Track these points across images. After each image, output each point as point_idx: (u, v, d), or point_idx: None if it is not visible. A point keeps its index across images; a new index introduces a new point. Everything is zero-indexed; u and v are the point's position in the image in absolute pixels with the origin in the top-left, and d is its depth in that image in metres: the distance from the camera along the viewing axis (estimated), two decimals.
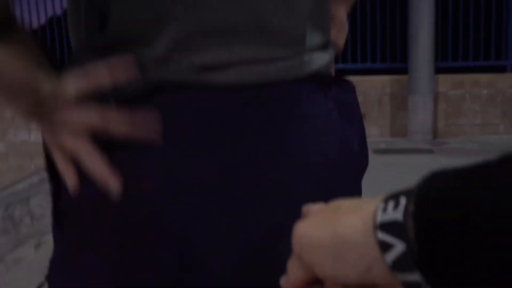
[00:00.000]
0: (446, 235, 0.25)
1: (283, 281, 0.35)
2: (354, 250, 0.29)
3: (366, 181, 0.59)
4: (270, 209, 0.46)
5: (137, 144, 0.44)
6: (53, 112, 0.44)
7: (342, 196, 0.51)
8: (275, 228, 0.45)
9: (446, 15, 5.41)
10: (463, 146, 4.83)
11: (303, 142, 0.48)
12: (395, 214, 0.27)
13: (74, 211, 0.48)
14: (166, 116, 0.44)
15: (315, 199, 0.45)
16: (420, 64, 5.07)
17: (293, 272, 0.34)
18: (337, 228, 0.30)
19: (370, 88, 5.28)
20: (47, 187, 0.51)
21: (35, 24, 5.90)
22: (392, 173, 3.61)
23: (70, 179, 0.45)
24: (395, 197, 0.28)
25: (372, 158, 0.59)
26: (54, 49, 5.88)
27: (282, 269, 0.35)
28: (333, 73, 0.58)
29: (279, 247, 0.42)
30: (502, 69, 5.40)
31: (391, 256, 0.27)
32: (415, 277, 0.26)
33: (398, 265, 0.27)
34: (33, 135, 5.58)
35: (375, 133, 5.29)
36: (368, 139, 0.61)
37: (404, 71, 5.29)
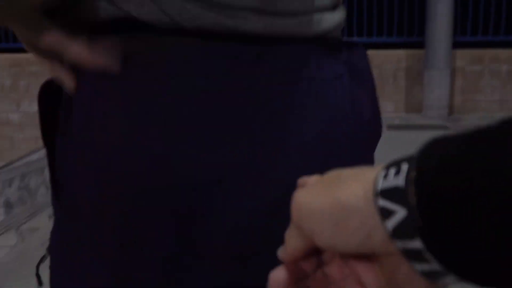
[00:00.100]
0: (449, 201, 0.24)
1: (280, 252, 0.34)
2: (354, 217, 0.28)
3: (379, 158, 0.56)
4: (273, 180, 0.44)
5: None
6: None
7: (352, 164, 0.50)
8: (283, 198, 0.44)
9: None
10: (480, 123, 4.75)
11: (309, 107, 0.46)
12: (397, 180, 0.27)
13: (74, 210, 0.47)
14: (174, 74, 0.43)
15: (323, 165, 0.44)
16: (438, 38, 4.98)
17: (291, 242, 0.33)
18: (338, 195, 0.29)
19: (385, 63, 5.21)
20: None
21: None
22: (406, 150, 3.55)
23: (69, 82, 0.45)
24: (396, 164, 0.28)
25: (386, 134, 0.57)
26: None
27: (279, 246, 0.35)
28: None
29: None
30: None
31: (391, 223, 0.26)
32: (415, 244, 0.26)
33: (399, 232, 0.26)
34: None
35: (389, 109, 5.23)
36: (382, 115, 0.59)
37: (421, 45, 5.20)
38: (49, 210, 4.22)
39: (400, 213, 0.26)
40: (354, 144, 0.50)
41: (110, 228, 0.45)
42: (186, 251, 0.44)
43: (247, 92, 0.44)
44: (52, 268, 0.52)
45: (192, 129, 0.43)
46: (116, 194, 0.44)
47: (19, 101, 6.16)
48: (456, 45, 5.14)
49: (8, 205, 4.73)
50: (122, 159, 0.43)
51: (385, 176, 0.28)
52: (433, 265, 0.26)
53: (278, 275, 0.34)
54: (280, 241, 0.34)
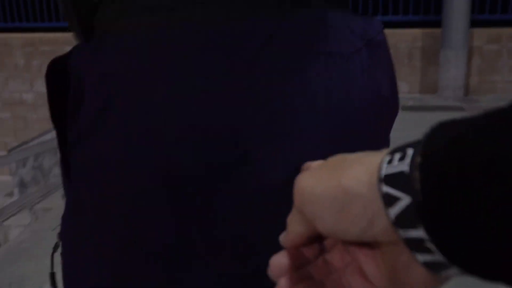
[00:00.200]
0: (455, 188, 0.23)
1: (282, 237, 0.33)
2: (357, 203, 0.27)
3: (392, 140, 0.55)
4: (290, 155, 0.43)
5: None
6: None
7: (368, 140, 0.48)
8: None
9: None
10: (496, 105, 4.67)
11: (327, 83, 0.45)
12: (401, 166, 0.25)
13: (78, 204, 0.46)
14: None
15: (341, 144, 0.44)
16: (455, 17, 4.89)
17: (293, 228, 0.32)
18: (341, 180, 0.28)
19: (400, 42, 5.13)
20: None
21: None
22: (420, 132, 3.53)
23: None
24: (402, 149, 0.27)
25: (400, 115, 0.56)
26: None
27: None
28: None
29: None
30: None
31: (394, 210, 0.25)
32: (418, 233, 0.25)
33: (401, 220, 0.25)
34: None
35: (403, 89, 5.17)
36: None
37: (437, 24, 5.11)
38: (62, 190, 4.26)
39: (403, 200, 0.25)
40: (371, 120, 0.49)
41: (110, 229, 0.44)
42: (186, 250, 0.43)
43: (264, 63, 0.42)
44: (63, 255, 0.50)
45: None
46: (118, 191, 0.43)
47: (32, 81, 6.19)
48: (474, 23, 5.05)
49: (22, 185, 4.80)
50: (127, 155, 0.42)
51: (390, 162, 0.26)
52: (436, 256, 0.25)
53: (279, 260, 0.33)
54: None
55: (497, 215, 0.22)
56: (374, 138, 0.50)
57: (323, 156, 0.41)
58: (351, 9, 0.51)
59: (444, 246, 0.24)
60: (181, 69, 0.41)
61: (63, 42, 5.90)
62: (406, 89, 5.20)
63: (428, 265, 0.26)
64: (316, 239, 0.33)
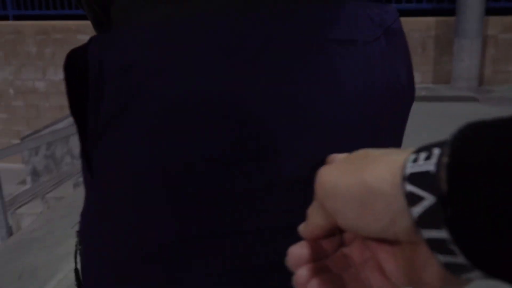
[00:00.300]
0: (484, 191, 0.22)
1: (302, 228, 0.34)
2: (380, 200, 0.27)
3: (405, 131, 0.55)
4: (308, 143, 0.42)
5: None
6: None
7: (389, 132, 0.48)
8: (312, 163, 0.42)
9: None
10: (511, 95, 4.61)
11: (352, 71, 0.44)
12: (427, 165, 0.25)
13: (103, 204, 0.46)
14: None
15: (364, 134, 0.44)
16: (469, 5, 4.81)
17: (313, 219, 0.33)
18: (364, 177, 0.28)
19: (413, 30, 5.06)
20: None
21: None
22: (433, 123, 3.51)
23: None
24: (427, 148, 0.26)
25: (412, 105, 0.55)
26: None
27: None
28: None
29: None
30: None
31: (417, 209, 0.25)
32: (441, 234, 0.24)
33: (424, 220, 0.25)
34: None
35: (416, 79, 5.08)
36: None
37: (451, 12, 5.03)
38: (74, 180, 4.30)
39: (427, 200, 0.25)
40: (391, 110, 0.49)
41: (114, 226, 0.44)
42: (186, 250, 0.43)
43: (287, 52, 0.41)
44: (82, 254, 0.50)
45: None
46: (126, 188, 0.43)
47: (45, 69, 6.22)
48: (489, 11, 4.96)
49: (35, 173, 4.85)
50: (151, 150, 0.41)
51: (415, 160, 0.26)
52: (458, 258, 0.24)
53: (298, 250, 0.33)
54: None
55: None
56: (394, 129, 0.50)
57: (347, 146, 0.40)
58: None
59: (468, 248, 0.23)
60: (203, 63, 0.41)
61: (76, 30, 5.91)
62: (419, 79, 5.14)
63: (449, 267, 0.25)
64: (337, 232, 0.33)
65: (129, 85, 0.41)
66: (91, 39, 0.45)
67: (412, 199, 0.25)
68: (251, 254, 0.43)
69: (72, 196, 3.31)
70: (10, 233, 3.41)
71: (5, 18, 6.44)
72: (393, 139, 0.50)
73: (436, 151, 0.25)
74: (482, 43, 4.93)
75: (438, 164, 0.25)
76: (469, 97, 4.59)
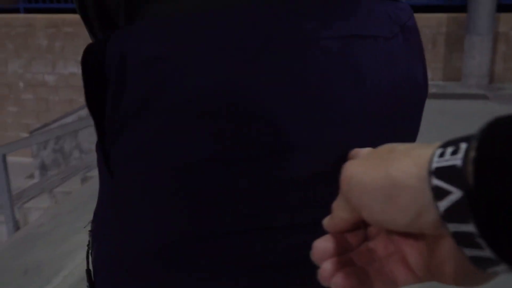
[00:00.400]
0: (511, 184, 0.23)
1: (326, 221, 0.34)
2: (406, 194, 0.27)
3: None
4: (324, 138, 0.42)
5: None
6: None
7: (408, 127, 0.49)
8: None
9: None
10: None
11: (374, 66, 0.44)
12: (454, 159, 0.25)
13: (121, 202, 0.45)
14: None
15: (386, 128, 0.44)
16: (481, 1, 4.75)
17: (338, 213, 0.33)
18: (390, 171, 0.28)
19: (424, 27, 5.01)
20: None
21: None
22: (443, 120, 3.48)
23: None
24: (454, 142, 0.26)
25: None
26: None
27: None
28: None
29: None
30: None
31: (444, 203, 0.25)
32: (468, 228, 0.25)
33: (451, 214, 0.25)
34: None
35: None
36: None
37: (462, 8, 4.97)
38: (82, 174, 4.33)
39: (454, 194, 0.25)
40: (410, 105, 0.49)
41: (120, 225, 0.44)
42: (186, 250, 0.43)
43: (309, 47, 0.41)
44: (96, 254, 0.49)
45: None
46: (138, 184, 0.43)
47: (55, 63, 6.25)
48: (500, 8, 4.90)
49: (43, 167, 4.89)
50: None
51: (441, 155, 0.26)
52: (485, 252, 0.24)
53: (323, 244, 0.33)
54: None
55: None
56: (410, 125, 0.50)
57: (370, 140, 0.40)
58: None
59: (496, 242, 0.24)
60: (225, 57, 0.40)
61: None
62: (429, 76, 5.09)
63: (475, 260, 0.25)
64: (360, 226, 0.33)
65: (153, 78, 0.41)
66: (111, 34, 0.44)
67: (439, 193, 0.26)
68: (251, 254, 0.43)
69: (79, 191, 3.33)
70: (17, 227, 3.44)
71: (16, 11, 6.46)
72: (409, 136, 0.50)
73: (463, 146, 0.25)
74: (493, 39, 4.87)
75: (465, 158, 0.25)
76: (479, 94, 4.55)
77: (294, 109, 0.40)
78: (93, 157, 4.44)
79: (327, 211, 0.34)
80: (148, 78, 0.41)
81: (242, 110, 0.39)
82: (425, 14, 5.05)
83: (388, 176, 0.28)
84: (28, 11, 6.48)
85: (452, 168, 0.25)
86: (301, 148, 0.40)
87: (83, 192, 3.18)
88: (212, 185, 0.41)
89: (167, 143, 0.41)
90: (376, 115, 0.44)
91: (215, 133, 0.40)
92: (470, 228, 0.24)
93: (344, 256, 0.33)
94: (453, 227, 0.25)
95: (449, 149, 0.26)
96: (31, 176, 5.09)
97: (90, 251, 0.49)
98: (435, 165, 0.26)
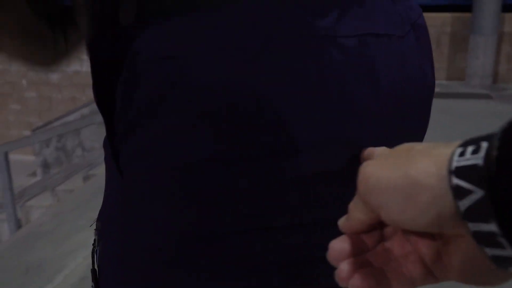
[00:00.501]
0: None
1: (342, 222, 0.34)
2: (425, 194, 0.27)
3: None
4: (334, 136, 0.41)
5: None
6: None
7: (419, 125, 0.50)
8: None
9: None
10: None
11: (379, 65, 0.44)
12: (474, 159, 0.25)
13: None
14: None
15: (398, 126, 0.44)
16: (486, 1, 4.73)
17: (355, 215, 0.33)
18: (409, 171, 0.28)
19: (428, 26, 4.97)
20: (99, 118, 0.46)
21: None
22: (447, 120, 3.46)
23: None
24: (475, 141, 0.26)
25: None
26: None
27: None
28: None
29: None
30: None
31: (465, 203, 0.25)
32: (489, 227, 0.24)
33: (472, 213, 0.25)
34: (85, 66, 5.68)
35: None
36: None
37: (467, 8, 4.96)
38: (84, 172, 4.33)
39: (475, 193, 0.25)
40: (421, 103, 0.49)
41: (123, 224, 0.45)
42: (187, 250, 0.43)
43: (322, 45, 0.41)
44: (102, 253, 0.49)
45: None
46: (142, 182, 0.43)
47: None
48: (505, 8, 4.89)
49: (46, 165, 4.90)
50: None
51: (462, 154, 0.26)
52: (507, 251, 0.24)
53: (339, 245, 0.33)
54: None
55: None
56: (421, 122, 0.50)
57: (382, 138, 0.40)
58: None
59: None
60: (225, 57, 0.40)
61: None
62: None
63: (496, 260, 0.25)
64: (376, 226, 0.33)
65: (168, 76, 0.40)
66: (120, 29, 0.43)
67: (459, 193, 0.25)
68: (251, 254, 0.43)
69: (81, 189, 3.33)
70: (19, 225, 3.45)
71: None
72: (418, 134, 0.50)
73: (484, 145, 0.25)
74: (497, 40, 4.86)
75: (487, 157, 0.25)
76: (483, 94, 4.54)
77: (295, 109, 0.39)
78: (95, 155, 4.46)
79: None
80: (164, 75, 0.40)
81: (242, 110, 0.39)
82: (429, 13, 5.04)
83: (407, 175, 0.28)
84: None
85: (473, 167, 0.25)
86: (302, 148, 0.40)
87: (86, 190, 3.18)
88: (212, 185, 0.40)
89: (167, 143, 0.40)
90: (389, 114, 0.44)
91: (215, 133, 0.39)
92: (491, 227, 0.24)
93: (360, 256, 0.33)
94: (474, 226, 0.25)
95: (470, 148, 0.26)
96: (33, 174, 5.10)
97: (95, 249, 0.49)
98: (455, 164, 0.26)
